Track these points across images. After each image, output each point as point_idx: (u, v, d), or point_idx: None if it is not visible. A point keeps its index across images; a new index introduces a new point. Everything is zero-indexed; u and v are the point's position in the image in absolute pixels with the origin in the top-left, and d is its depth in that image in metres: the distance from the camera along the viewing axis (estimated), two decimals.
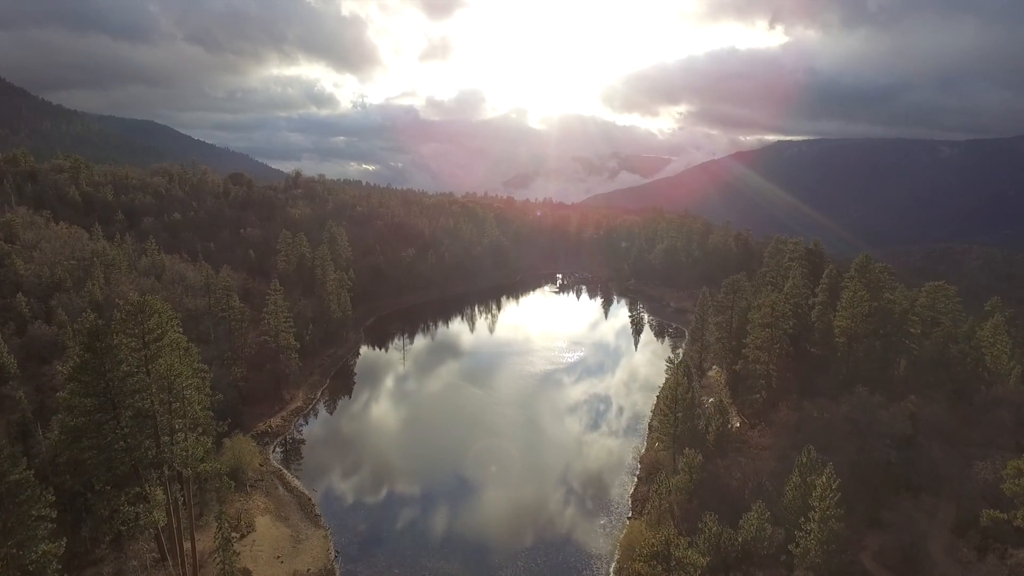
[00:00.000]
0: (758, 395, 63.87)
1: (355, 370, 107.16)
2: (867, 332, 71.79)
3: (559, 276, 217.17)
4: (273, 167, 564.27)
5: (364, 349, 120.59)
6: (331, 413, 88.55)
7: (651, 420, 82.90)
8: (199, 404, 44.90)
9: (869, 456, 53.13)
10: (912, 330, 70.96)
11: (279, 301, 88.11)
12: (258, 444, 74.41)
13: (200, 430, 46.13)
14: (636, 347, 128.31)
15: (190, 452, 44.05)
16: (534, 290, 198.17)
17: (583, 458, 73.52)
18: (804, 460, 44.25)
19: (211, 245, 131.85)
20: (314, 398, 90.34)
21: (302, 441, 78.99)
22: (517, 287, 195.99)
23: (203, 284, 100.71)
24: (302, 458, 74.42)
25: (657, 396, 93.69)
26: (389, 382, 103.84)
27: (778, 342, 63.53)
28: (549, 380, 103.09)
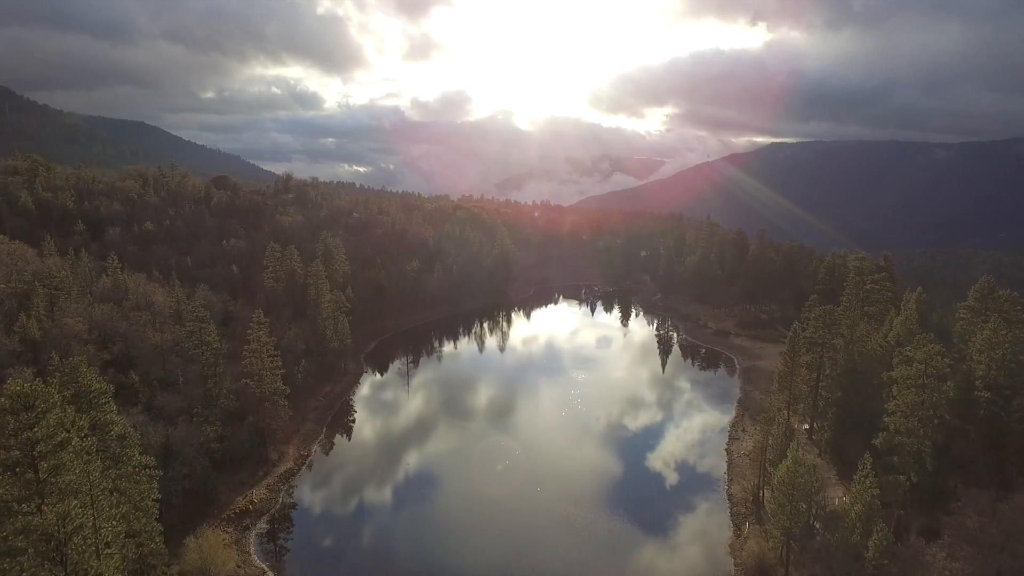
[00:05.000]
0: (904, 476, 48.08)
1: (356, 411, 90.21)
2: (1015, 386, 56.33)
3: (582, 289, 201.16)
4: (265, 168, 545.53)
5: (366, 381, 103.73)
6: (328, 474, 71.63)
7: (728, 487, 67.01)
8: (117, 569, 27.95)
9: None
10: None
11: (263, 337, 71.21)
12: (235, 529, 57.82)
13: None
14: (680, 379, 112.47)
15: None
16: (547, 304, 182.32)
17: (659, 550, 57.02)
18: None
19: (188, 260, 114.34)
20: (307, 455, 73.40)
21: (293, 506, 63.25)
22: (530, 302, 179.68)
23: (174, 311, 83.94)
24: (292, 536, 58.24)
25: (726, 448, 78.35)
26: (398, 428, 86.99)
27: (935, 408, 47.78)
28: (591, 424, 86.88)
